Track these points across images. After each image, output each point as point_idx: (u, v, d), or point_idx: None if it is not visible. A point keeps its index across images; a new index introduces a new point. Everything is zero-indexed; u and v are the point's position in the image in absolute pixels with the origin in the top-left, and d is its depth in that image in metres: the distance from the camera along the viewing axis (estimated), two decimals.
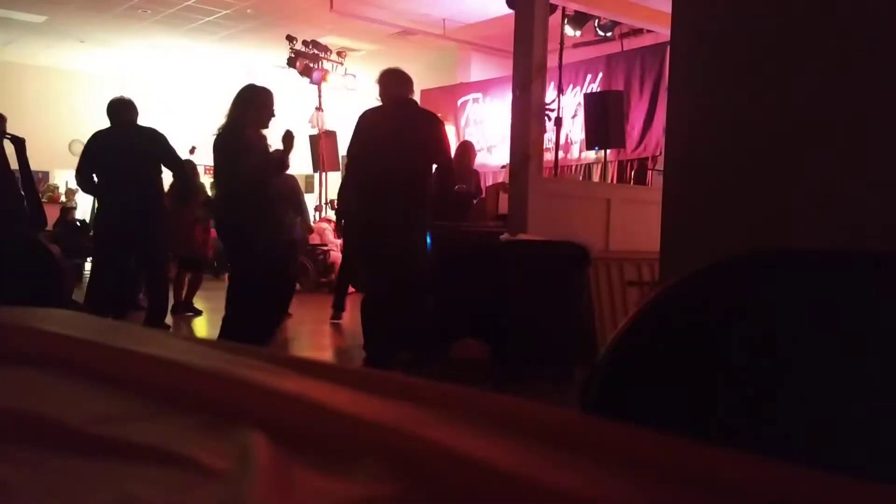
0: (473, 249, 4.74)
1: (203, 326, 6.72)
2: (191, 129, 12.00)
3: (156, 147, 4.98)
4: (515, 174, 5.14)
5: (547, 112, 5.43)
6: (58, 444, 0.62)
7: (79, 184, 5.13)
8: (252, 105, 4.37)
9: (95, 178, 5.00)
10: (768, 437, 0.89)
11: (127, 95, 5.23)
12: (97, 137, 5.01)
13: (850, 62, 1.56)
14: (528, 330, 4.35)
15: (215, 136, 4.41)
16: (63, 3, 9.65)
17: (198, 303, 7.12)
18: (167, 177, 5.23)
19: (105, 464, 0.58)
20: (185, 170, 5.25)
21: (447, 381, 0.72)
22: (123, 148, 4.88)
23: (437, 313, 4.57)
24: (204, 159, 11.11)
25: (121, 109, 5.04)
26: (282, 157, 4.45)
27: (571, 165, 9.63)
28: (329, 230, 9.89)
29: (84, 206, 10.56)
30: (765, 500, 0.50)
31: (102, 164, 4.92)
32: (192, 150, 9.07)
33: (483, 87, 11.01)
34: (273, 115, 4.46)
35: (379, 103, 4.42)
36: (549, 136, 6.46)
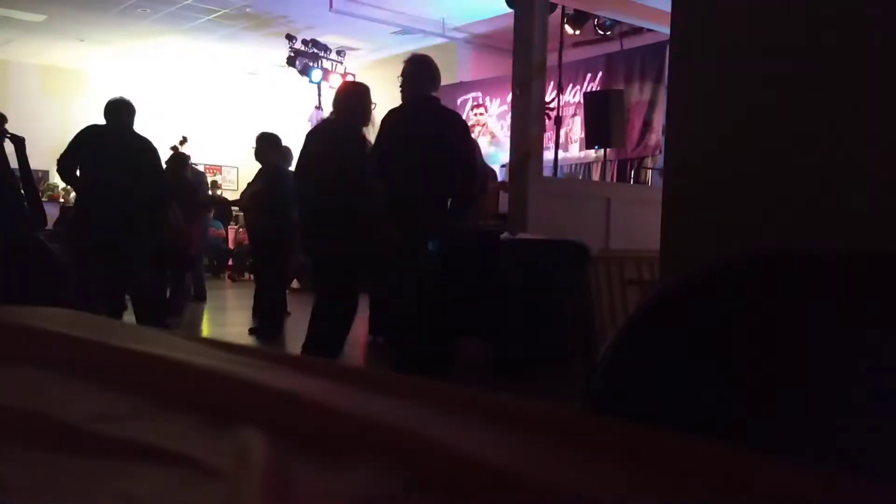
0: (473, 248, 4.73)
1: (204, 326, 6.72)
2: (190, 128, 12.00)
3: (144, 155, 4.94)
4: (515, 174, 5.14)
5: (547, 111, 5.43)
6: (57, 443, 0.62)
7: (60, 171, 5.03)
8: (366, 107, 4.13)
9: (78, 172, 4.92)
10: (768, 436, 0.88)
11: (126, 96, 5.19)
12: (89, 132, 4.96)
13: (851, 61, 1.56)
14: (527, 329, 4.35)
15: (323, 129, 4.15)
16: (63, 2, 9.63)
17: None
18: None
19: (105, 463, 0.58)
20: (162, 189, 5.18)
21: (447, 381, 0.72)
22: (113, 148, 4.84)
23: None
24: (203, 158, 11.09)
25: (118, 110, 5.01)
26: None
27: (571, 164, 9.62)
28: None
29: None
30: (765, 499, 0.50)
31: (89, 161, 4.85)
32: (182, 141, 8.25)
33: (483, 86, 11.00)
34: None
35: (400, 96, 4.09)
36: (549, 134, 6.46)
